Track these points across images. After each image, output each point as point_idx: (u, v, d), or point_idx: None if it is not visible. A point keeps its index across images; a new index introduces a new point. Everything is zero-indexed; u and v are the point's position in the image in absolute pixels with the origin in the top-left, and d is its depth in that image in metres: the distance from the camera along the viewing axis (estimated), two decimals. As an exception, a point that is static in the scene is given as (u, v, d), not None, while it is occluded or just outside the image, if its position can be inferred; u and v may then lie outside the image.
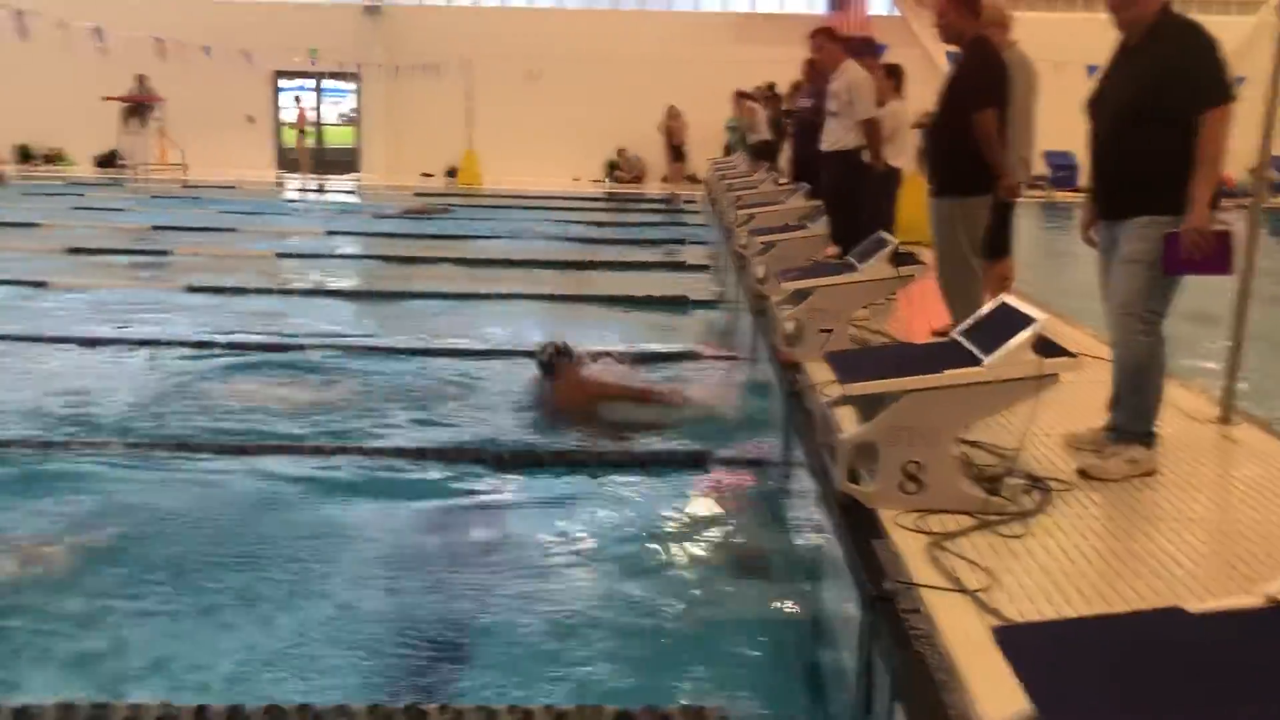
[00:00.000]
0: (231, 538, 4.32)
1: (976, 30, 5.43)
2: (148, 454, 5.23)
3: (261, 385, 6.60)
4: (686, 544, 4.46)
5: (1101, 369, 4.39)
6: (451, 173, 23.76)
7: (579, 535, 4.50)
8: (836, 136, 7.77)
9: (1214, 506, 3.75)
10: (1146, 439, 3.99)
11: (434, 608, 3.83)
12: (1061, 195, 20.62)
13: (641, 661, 3.48)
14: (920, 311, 6.70)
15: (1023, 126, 5.89)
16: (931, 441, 3.52)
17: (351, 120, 25.95)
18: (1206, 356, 6.52)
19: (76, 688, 3.16)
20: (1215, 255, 3.78)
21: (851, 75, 7.68)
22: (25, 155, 24.77)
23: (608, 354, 6.43)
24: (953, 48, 5.74)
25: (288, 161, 25.31)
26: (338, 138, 26.11)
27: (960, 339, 3.74)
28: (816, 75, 9.90)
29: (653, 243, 14.31)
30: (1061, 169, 21.31)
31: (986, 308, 3.89)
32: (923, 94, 9.61)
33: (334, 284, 10.87)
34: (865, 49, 8.72)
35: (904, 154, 8.76)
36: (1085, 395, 4.41)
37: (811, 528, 4.12)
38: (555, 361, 6.17)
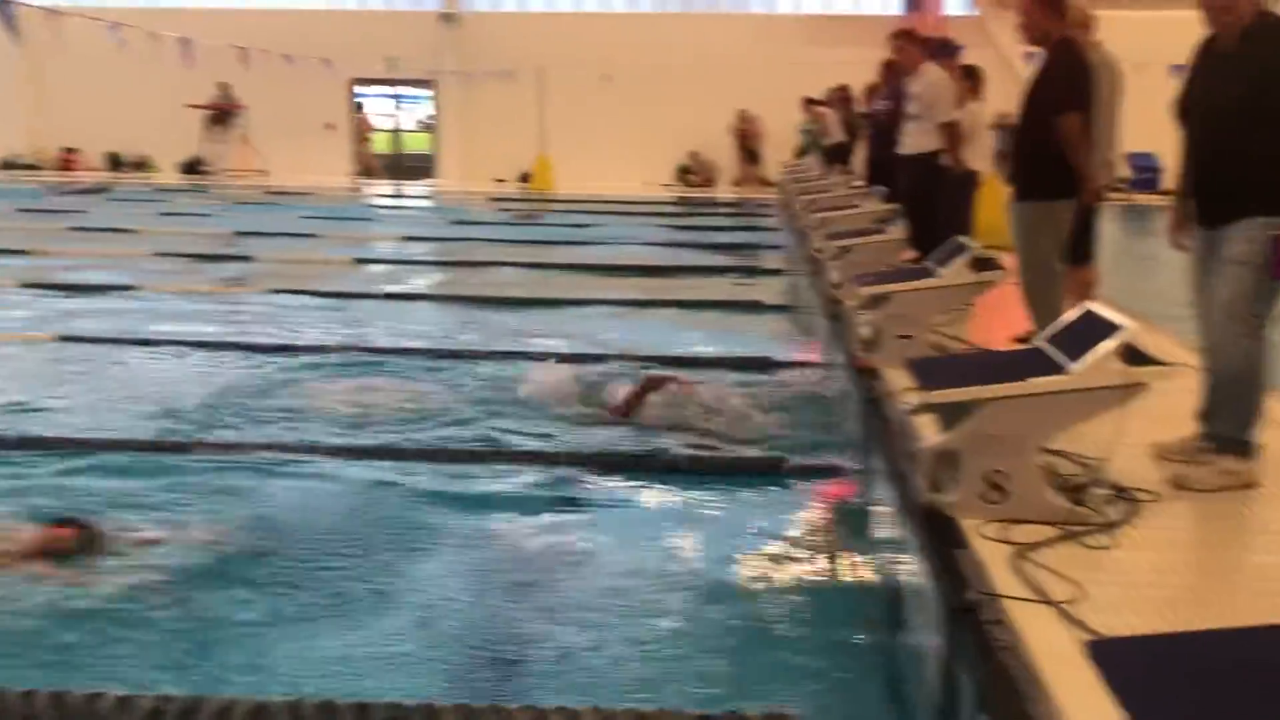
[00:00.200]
0: (324, 538, 4.40)
1: (1061, 31, 5.34)
2: (238, 454, 5.35)
3: (346, 388, 6.72)
4: (762, 551, 4.45)
5: (1190, 377, 4.29)
6: (524, 178, 23.97)
7: (655, 541, 4.51)
8: (915, 139, 7.69)
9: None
10: (1244, 449, 3.86)
11: (513, 611, 3.87)
12: (1143, 198, 20.13)
13: (720, 669, 3.49)
14: (999, 317, 6.60)
15: (1107, 129, 5.78)
16: (1015, 450, 3.48)
17: (428, 126, 26.33)
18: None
19: (172, 683, 3.26)
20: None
21: (931, 77, 7.60)
22: (115, 162, 25.57)
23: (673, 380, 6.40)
24: (1034, 49, 5.65)
25: (375, 169, 25.76)
26: (415, 144, 26.53)
27: (1044, 346, 3.69)
28: (893, 77, 9.81)
29: (725, 247, 14.28)
30: (1144, 171, 20.79)
31: (1071, 314, 3.83)
32: (999, 95, 9.48)
33: (411, 289, 11.04)
34: (944, 50, 8.61)
35: (982, 157, 8.64)
36: (1173, 404, 4.28)
37: (891, 536, 4.08)
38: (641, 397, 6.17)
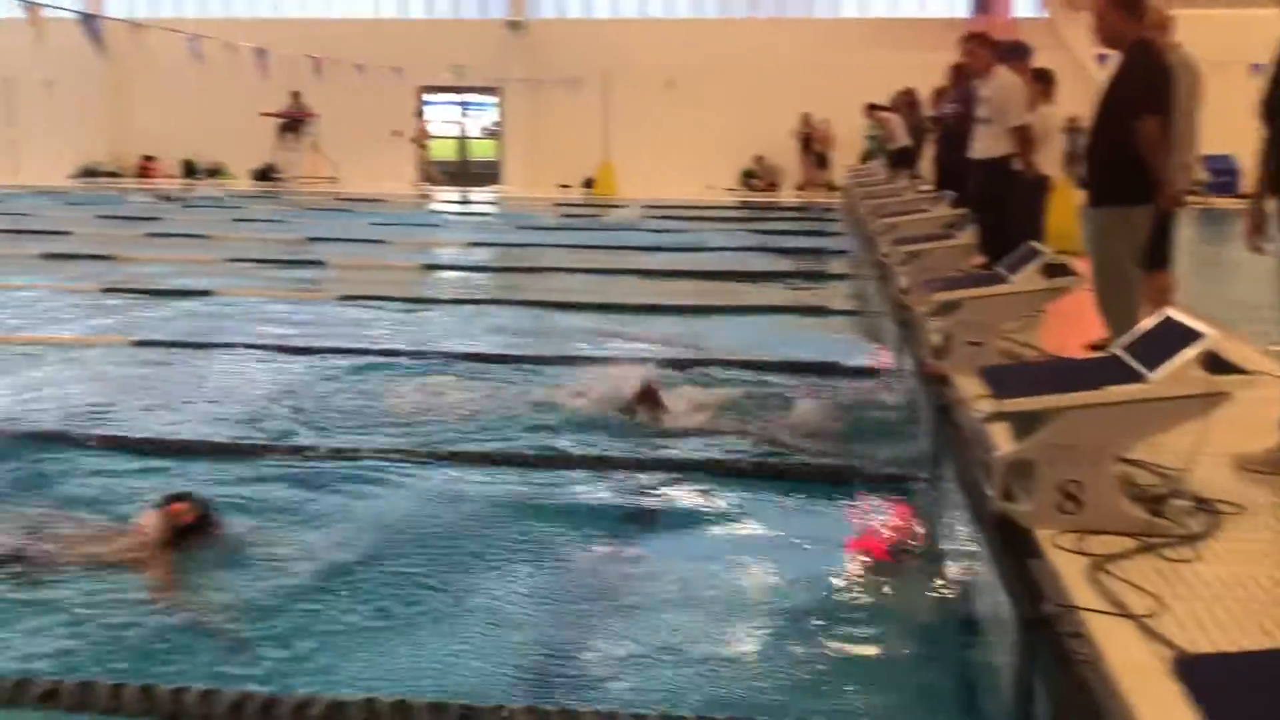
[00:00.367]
0: (399, 539, 4.46)
1: (1138, 33, 5.24)
2: (310, 458, 5.45)
3: (418, 392, 6.81)
4: (831, 560, 4.42)
5: (1273, 386, 4.19)
6: (588, 184, 24.09)
7: (722, 549, 4.51)
8: (986, 143, 7.58)
9: None
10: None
11: (585, 617, 3.89)
12: (1221, 201, 19.64)
13: (788, 678, 3.47)
14: (1071, 324, 6.50)
15: (1185, 132, 5.66)
16: (1092, 460, 3.42)
17: (493, 133, 26.61)
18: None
19: (254, 680, 3.34)
20: None
21: (1003, 81, 7.50)
22: (189, 170, 26.20)
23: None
24: (1109, 51, 5.56)
25: (434, 175, 26.08)
26: (481, 151, 26.81)
27: (1121, 354, 3.62)
28: (962, 80, 9.70)
29: (790, 251, 14.23)
30: (1221, 174, 20.29)
31: (1149, 322, 3.75)
32: (1069, 98, 9.32)
33: (477, 293, 11.15)
34: (1015, 53, 8.49)
35: (1053, 161, 8.50)
36: (1256, 414, 4.19)
37: (963, 545, 4.04)
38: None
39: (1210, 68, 7.11)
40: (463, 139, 27.00)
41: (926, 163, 13.68)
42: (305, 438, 5.89)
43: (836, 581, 4.20)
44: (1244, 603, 2.97)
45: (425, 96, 25.93)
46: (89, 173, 25.70)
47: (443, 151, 26.68)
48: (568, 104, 23.77)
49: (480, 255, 14.41)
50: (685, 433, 5.98)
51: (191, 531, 4.28)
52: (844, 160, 21.99)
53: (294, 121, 24.06)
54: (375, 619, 3.83)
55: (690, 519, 4.85)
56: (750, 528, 4.75)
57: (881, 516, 4.88)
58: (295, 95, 23.47)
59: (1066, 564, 3.18)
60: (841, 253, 13.67)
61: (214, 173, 26.04)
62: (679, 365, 7.32)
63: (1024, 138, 7.49)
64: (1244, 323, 6.49)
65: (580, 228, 17.34)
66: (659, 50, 23.97)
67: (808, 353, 7.97)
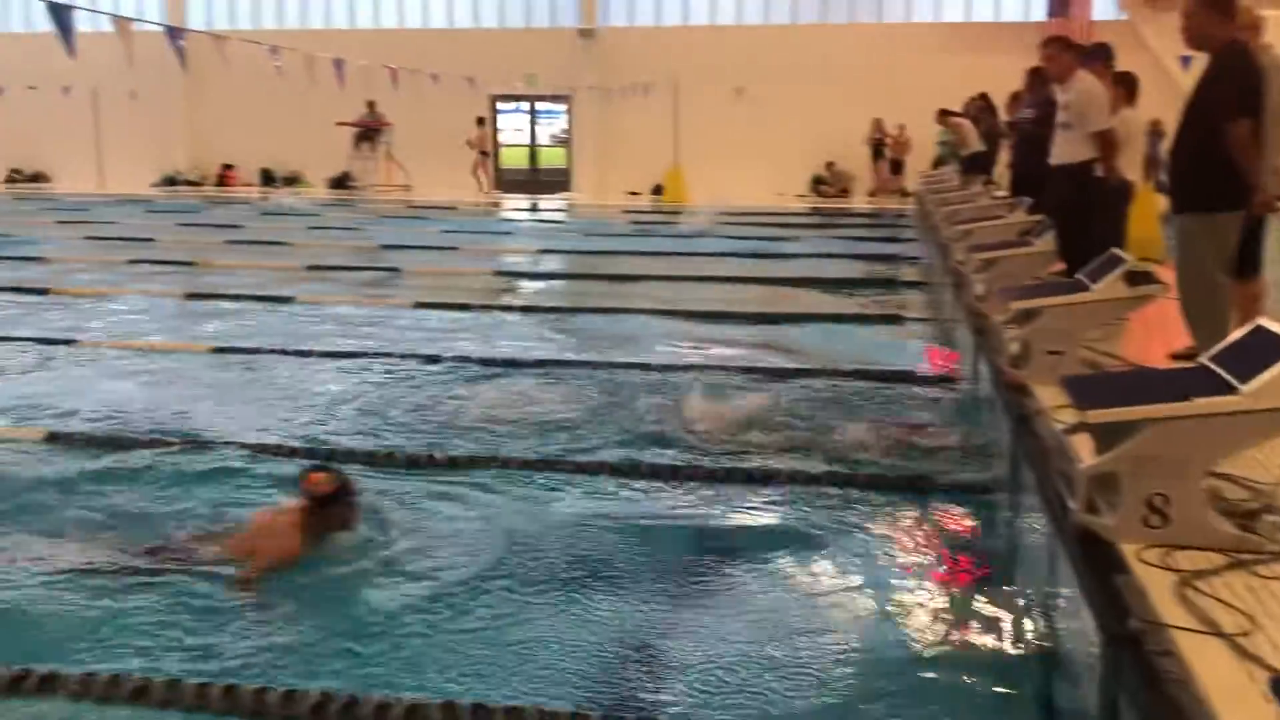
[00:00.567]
0: (484, 548, 4.49)
1: (1229, 34, 5.10)
2: (386, 465, 5.53)
3: (496, 398, 6.87)
4: (910, 572, 4.37)
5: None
6: (657, 190, 24.13)
7: (801, 560, 4.47)
8: (1067, 149, 7.43)
9: None
10: None
11: (655, 623, 3.90)
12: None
13: (870, 693, 3.44)
14: (1155, 334, 6.35)
15: (1277, 135, 5.49)
16: (1179, 474, 3.33)
17: (562, 141, 26.80)
18: None
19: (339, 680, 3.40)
20: None
21: (1085, 85, 7.34)
22: (268, 178, 26.80)
23: None
24: (1196, 52, 5.42)
25: (505, 183, 26.35)
26: (551, 159, 27.02)
27: (1210, 365, 3.52)
28: (1039, 84, 9.53)
29: (864, 258, 14.11)
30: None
31: (1240, 331, 3.65)
32: (1150, 101, 9.10)
33: (545, 301, 11.23)
34: (1098, 55, 8.31)
35: (1135, 166, 8.31)
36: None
37: (1043, 559, 3.96)
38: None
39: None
40: (532, 147, 27.24)
41: (1000, 168, 13.48)
42: (381, 443, 5.97)
43: (911, 595, 4.15)
44: (1341, 623, 2.87)
45: (497, 105, 26.21)
46: (170, 181, 26.42)
47: (513, 159, 26.95)
48: (637, 111, 23.85)
49: (552, 262, 14.50)
50: (760, 443, 5.95)
51: (330, 503, 4.29)
52: (916, 166, 21.75)
53: (369, 130, 24.48)
54: (474, 624, 3.86)
55: (768, 530, 4.82)
56: (826, 538, 4.70)
57: (959, 527, 4.81)
58: (371, 105, 23.87)
59: (1153, 580, 3.11)
60: (914, 259, 13.52)
61: (290, 181, 26.59)
62: (751, 372, 7.28)
63: (1106, 143, 7.33)
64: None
65: (652, 234, 17.37)
66: (729, 57, 23.95)
67: (882, 361, 7.89)
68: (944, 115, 17.05)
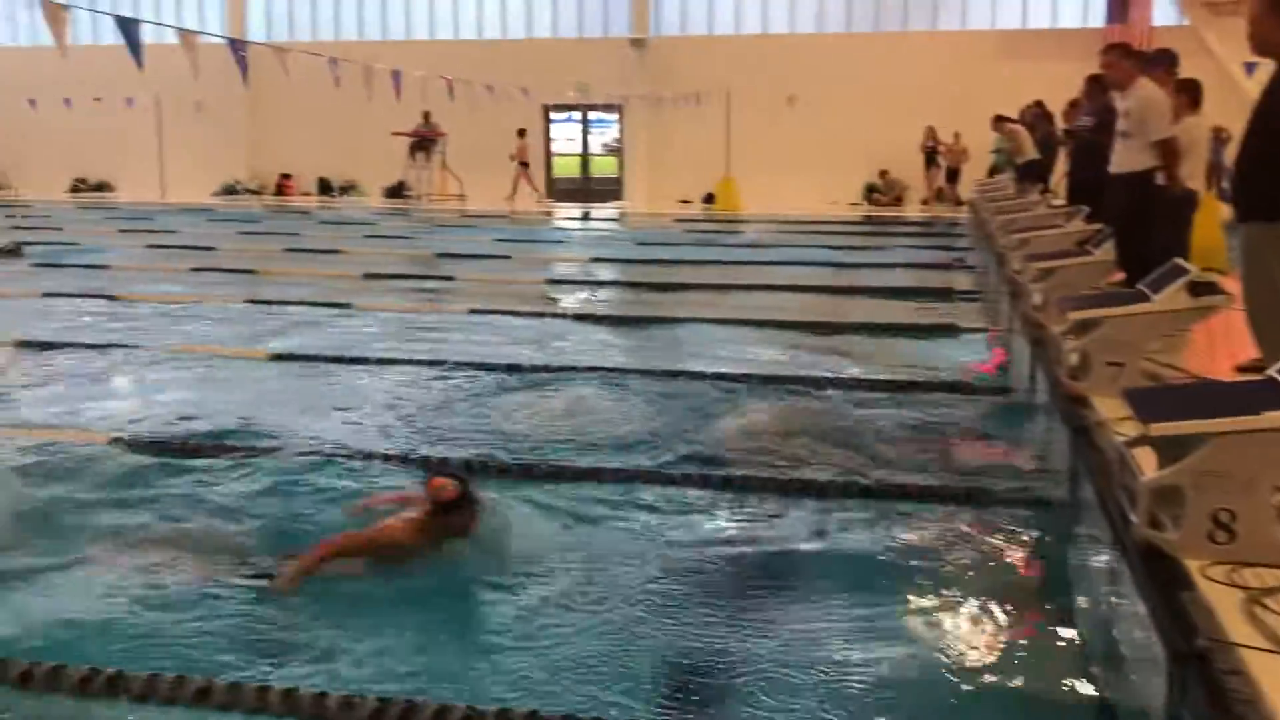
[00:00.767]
0: (530, 556, 4.51)
1: (1297, 40, 4.99)
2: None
3: (550, 406, 6.91)
4: (967, 587, 4.31)
5: None
6: (709, 199, 24.14)
7: (850, 569, 4.44)
8: (1128, 158, 7.32)
9: None
10: None
11: (702, 635, 3.89)
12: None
13: (927, 710, 3.40)
14: (1220, 346, 6.23)
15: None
16: (1247, 489, 3.26)
17: (614, 150, 26.91)
18: None
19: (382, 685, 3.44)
20: None
21: (1146, 93, 7.22)
22: (324, 188, 27.20)
23: None
24: (1260, 59, 5.31)
25: (557, 191, 26.50)
26: (603, 168, 27.15)
27: (1279, 377, 3.45)
28: (1098, 92, 9.41)
29: (918, 266, 13.99)
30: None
31: (1310, 344, 3.58)
32: (1212, 108, 8.92)
33: (599, 309, 11.26)
34: (1160, 62, 8.17)
35: (1198, 175, 8.16)
36: None
37: (1104, 575, 3.90)
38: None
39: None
40: (584, 156, 27.38)
41: (1057, 177, 13.31)
42: (434, 449, 6.03)
43: (967, 611, 4.10)
44: None
45: (550, 115, 26.38)
46: (230, 190, 26.92)
47: (565, 169, 27.11)
48: (689, 120, 23.89)
49: (605, 271, 14.56)
50: (812, 452, 5.91)
51: (453, 509, 4.27)
52: (971, 174, 21.56)
53: (424, 140, 24.76)
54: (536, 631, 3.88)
55: (809, 533, 4.81)
56: (880, 549, 4.66)
57: (1017, 542, 4.75)
58: (426, 115, 24.13)
59: (1219, 597, 3.05)
60: (970, 268, 13.38)
61: (346, 190, 26.96)
62: (805, 383, 7.24)
63: (1168, 151, 7.20)
64: None
65: (705, 243, 17.37)
66: (781, 65, 23.91)
67: (938, 371, 7.82)
68: (1000, 121, 16.90)
